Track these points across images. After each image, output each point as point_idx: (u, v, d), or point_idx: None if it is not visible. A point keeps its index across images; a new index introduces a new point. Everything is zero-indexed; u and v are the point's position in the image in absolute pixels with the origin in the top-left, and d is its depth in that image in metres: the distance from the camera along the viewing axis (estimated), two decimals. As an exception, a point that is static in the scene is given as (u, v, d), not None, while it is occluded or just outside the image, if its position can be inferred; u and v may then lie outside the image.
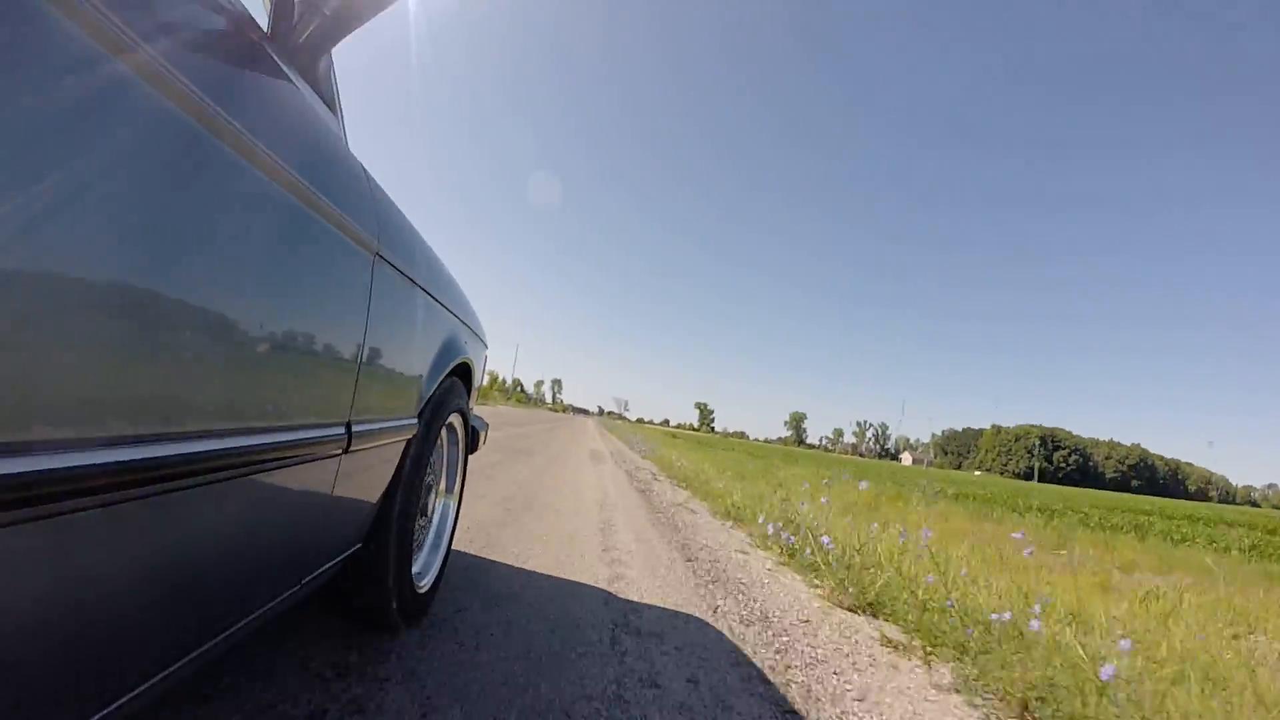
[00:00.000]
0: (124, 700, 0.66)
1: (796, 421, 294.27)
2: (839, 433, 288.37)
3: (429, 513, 2.07)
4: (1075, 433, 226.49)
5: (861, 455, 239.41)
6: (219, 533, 0.79)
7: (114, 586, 0.60)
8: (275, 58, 0.90)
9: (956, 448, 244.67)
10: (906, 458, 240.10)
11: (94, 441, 0.51)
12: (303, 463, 0.94)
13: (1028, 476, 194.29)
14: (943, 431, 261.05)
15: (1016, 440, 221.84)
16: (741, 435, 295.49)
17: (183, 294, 0.61)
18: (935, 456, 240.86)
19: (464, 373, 2.02)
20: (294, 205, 0.83)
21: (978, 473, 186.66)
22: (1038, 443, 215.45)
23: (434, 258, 1.68)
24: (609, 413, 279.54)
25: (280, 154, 0.77)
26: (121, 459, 0.54)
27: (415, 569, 1.83)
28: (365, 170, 1.20)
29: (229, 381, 0.72)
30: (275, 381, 0.84)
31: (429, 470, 1.81)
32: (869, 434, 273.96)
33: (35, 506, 0.46)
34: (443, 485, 2.24)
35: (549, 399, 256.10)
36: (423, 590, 1.83)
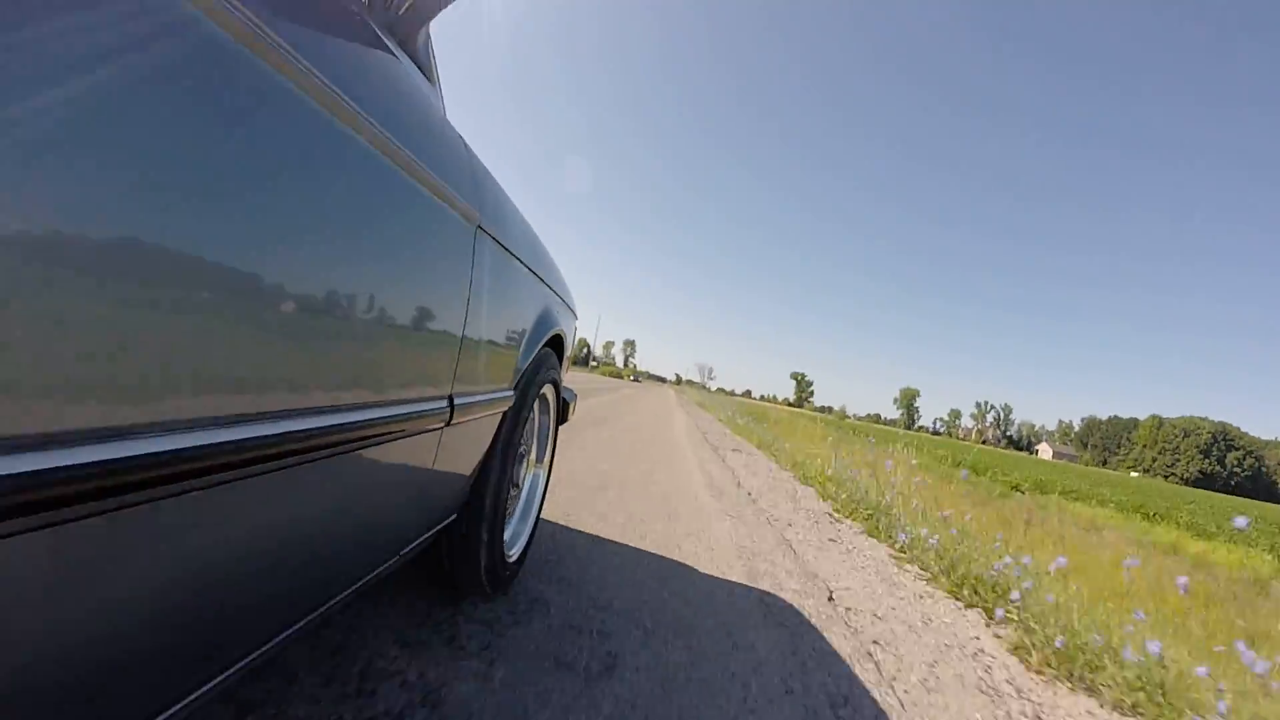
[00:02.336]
0: (245, 662, 0.70)
1: (908, 400, 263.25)
2: (955, 414, 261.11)
3: (519, 482, 2.09)
4: (1246, 430, 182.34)
5: (986, 443, 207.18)
6: (328, 508, 0.81)
7: (232, 560, 0.63)
8: (375, 28, 0.88)
9: (1101, 440, 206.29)
10: (1045, 449, 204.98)
11: (208, 421, 0.52)
12: (407, 436, 0.94)
13: (1200, 483, 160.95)
14: (1083, 420, 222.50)
15: (1185, 436, 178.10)
16: (843, 414, 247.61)
17: (292, 270, 0.61)
18: (1076, 450, 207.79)
19: (556, 343, 2.02)
20: (399, 177, 0.81)
21: (1135, 474, 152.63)
22: (1210, 441, 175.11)
23: (530, 229, 1.67)
24: (688, 381, 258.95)
25: (384, 124, 0.76)
26: (236, 437, 0.54)
27: (505, 537, 1.86)
28: (465, 142, 1.18)
29: (339, 357, 0.72)
30: (382, 356, 0.83)
31: (521, 440, 1.82)
32: (989, 417, 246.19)
33: (168, 485, 0.48)
34: (533, 455, 2.26)
35: (619, 363, 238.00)
36: (512, 559, 1.85)
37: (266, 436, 0.58)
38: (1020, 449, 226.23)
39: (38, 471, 0.37)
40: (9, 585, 0.40)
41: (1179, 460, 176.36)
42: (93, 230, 0.39)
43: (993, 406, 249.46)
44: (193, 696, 0.63)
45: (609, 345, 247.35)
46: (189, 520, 0.54)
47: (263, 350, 0.58)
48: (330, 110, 0.64)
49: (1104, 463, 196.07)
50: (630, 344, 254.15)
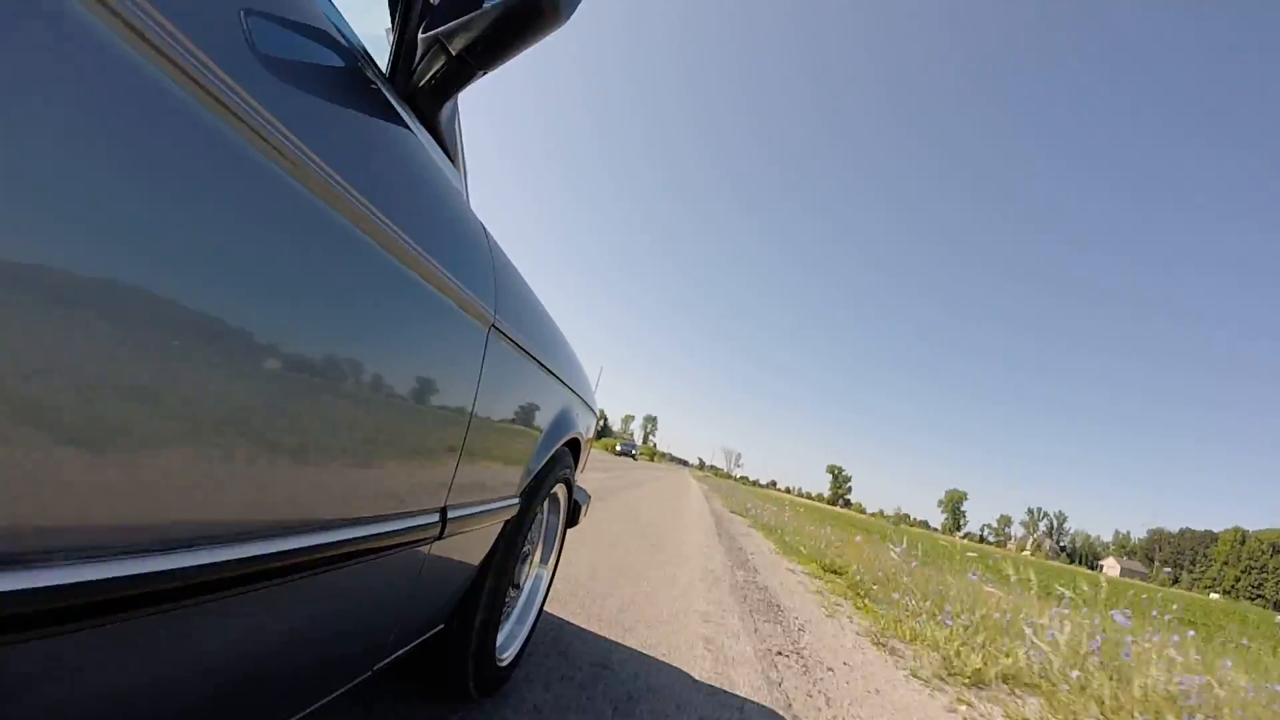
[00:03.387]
0: None
1: (954, 503, 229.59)
2: (1005, 520, 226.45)
3: (520, 584, 1.96)
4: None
5: (1040, 555, 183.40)
6: (294, 629, 0.73)
7: (191, 675, 0.58)
8: (393, 102, 0.82)
9: (1172, 555, 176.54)
10: (1111, 565, 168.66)
11: (180, 543, 0.48)
12: (390, 553, 0.85)
13: None
14: (1148, 532, 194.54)
15: (1274, 553, 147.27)
16: (879, 514, 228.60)
17: (272, 377, 0.55)
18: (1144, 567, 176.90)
19: (573, 444, 1.92)
20: (405, 275, 0.74)
21: (1215, 595, 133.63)
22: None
23: (550, 324, 1.60)
24: (710, 466, 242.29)
25: (394, 216, 0.69)
26: (212, 560, 0.51)
27: (499, 640, 1.73)
28: (485, 229, 1.12)
29: (319, 473, 0.65)
30: (370, 470, 0.75)
31: (524, 543, 1.70)
32: (1042, 525, 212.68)
33: (156, 605, 0.47)
34: (538, 555, 2.13)
35: (638, 439, 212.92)
36: (504, 664, 1.72)
37: (234, 560, 0.53)
38: (1077, 562, 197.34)
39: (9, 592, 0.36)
40: None
41: (1267, 579, 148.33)
42: (79, 332, 0.37)
43: (1046, 514, 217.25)
44: None
45: (628, 419, 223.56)
46: (157, 638, 0.51)
47: (242, 470, 0.53)
48: (333, 203, 0.58)
49: (1175, 580, 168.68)
50: (651, 420, 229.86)
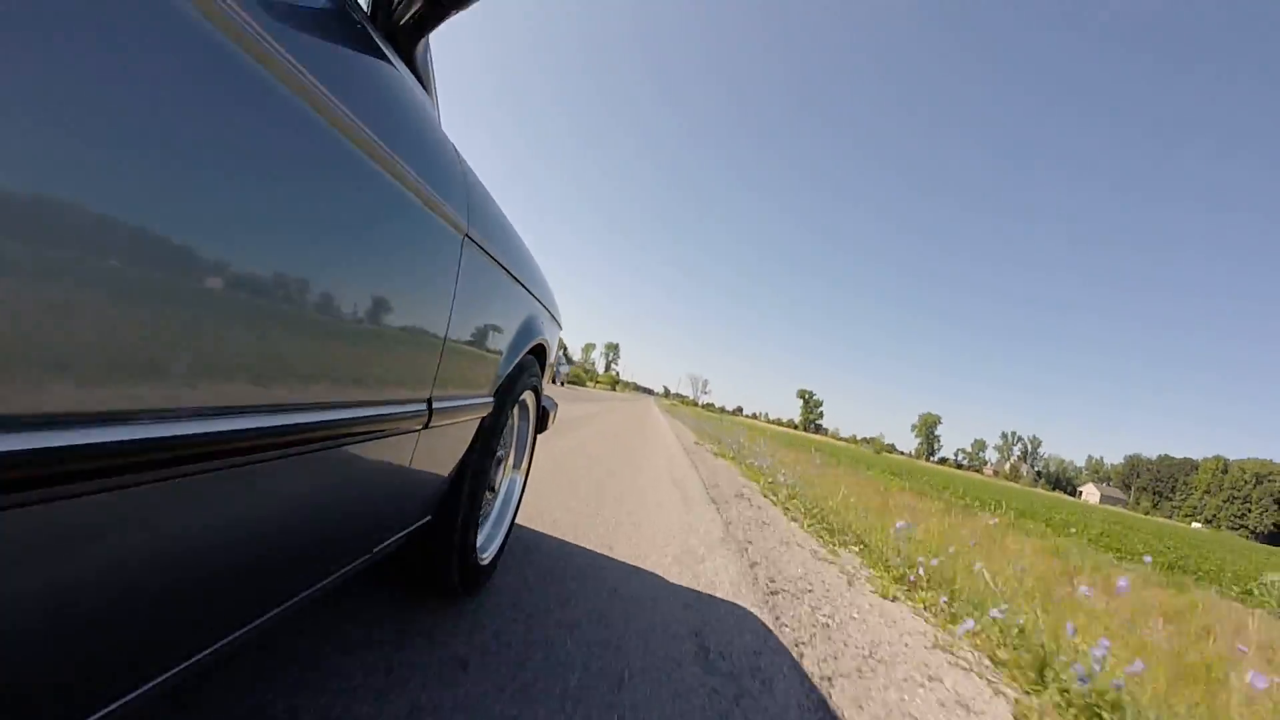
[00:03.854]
0: (210, 650, 0.71)
1: (927, 427, 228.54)
2: (980, 445, 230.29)
3: (496, 487, 2.11)
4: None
5: (1022, 482, 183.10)
6: (302, 503, 0.82)
7: (202, 549, 0.63)
8: (375, 37, 0.90)
9: (1151, 483, 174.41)
10: (1091, 491, 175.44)
11: (186, 412, 0.53)
12: (385, 437, 0.96)
13: (1273, 538, 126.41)
14: (1125, 459, 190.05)
15: (1257, 483, 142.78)
16: (852, 439, 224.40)
17: (279, 270, 0.62)
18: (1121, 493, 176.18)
19: (539, 352, 2.04)
20: (391, 185, 0.84)
21: (1196, 525, 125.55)
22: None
23: (518, 239, 1.70)
24: (676, 395, 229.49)
25: (379, 133, 0.78)
26: (216, 429, 0.55)
27: (479, 541, 1.88)
28: (458, 151, 1.21)
29: (322, 355, 0.74)
30: (364, 357, 0.85)
31: (499, 446, 1.84)
32: (1016, 449, 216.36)
33: (138, 473, 0.49)
34: (511, 460, 2.27)
35: (600, 369, 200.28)
36: (484, 562, 1.87)
37: (247, 430, 0.60)
38: (1058, 488, 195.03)
39: (15, 451, 0.38)
40: None
41: (1250, 510, 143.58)
42: (82, 224, 0.40)
43: (1020, 438, 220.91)
44: (156, 681, 0.63)
45: (589, 348, 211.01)
46: (163, 508, 0.55)
47: (248, 345, 0.59)
48: (325, 115, 0.66)
49: (1154, 506, 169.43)
50: (613, 348, 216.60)
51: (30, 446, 0.38)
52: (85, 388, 0.43)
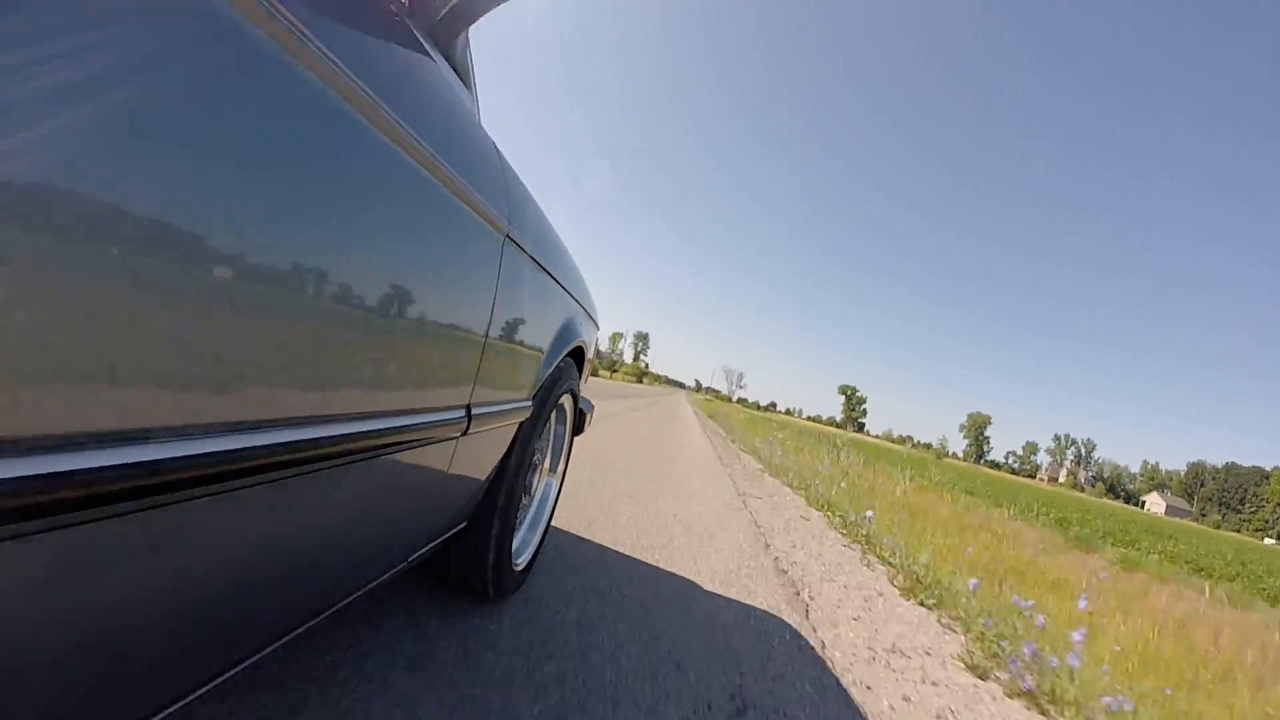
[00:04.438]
0: (247, 661, 0.72)
1: (976, 428, 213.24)
2: (1031, 448, 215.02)
3: (531, 491, 2.08)
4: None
5: (1081, 490, 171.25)
6: (338, 515, 0.80)
7: (242, 563, 0.63)
8: (415, 32, 0.87)
9: (1216, 493, 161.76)
10: (1156, 501, 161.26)
11: (225, 426, 0.51)
12: (424, 445, 0.93)
13: None
14: (1188, 466, 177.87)
15: None
16: (907, 440, 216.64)
17: (319, 274, 0.60)
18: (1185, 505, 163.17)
19: (577, 354, 2.01)
20: (431, 184, 0.80)
21: (1270, 540, 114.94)
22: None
23: (557, 239, 1.66)
24: (709, 390, 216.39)
25: (418, 130, 0.75)
26: (255, 444, 0.54)
27: (513, 546, 1.85)
28: (498, 149, 1.17)
29: (361, 363, 0.71)
30: (404, 363, 0.82)
31: (535, 450, 1.81)
32: (1069, 453, 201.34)
33: (185, 489, 0.48)
34: (547, 464, 2.24)
35: (628, 359, 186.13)
36: (519, 568, 1.85)
37: (287, 443, 0.58)
38: (1118, 497, 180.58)
39: (53, 474, 0.37)
40: (24, 584, 0.40)
41: None
42: (114, 229, 0.39)
43: (1073, 441, 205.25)
44: (200, 691, 0.64)
45: (616, 337, 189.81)
46: (205, 522, 0.54)
47: (287, 355, 0.57)
48: (363, 113, 0.63)
49: (1222, 520, 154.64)
50: (643, 338, 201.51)
51: (48, 471, 0.37)
52: (107, 406, 0.41)
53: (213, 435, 0.50)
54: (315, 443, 0.63)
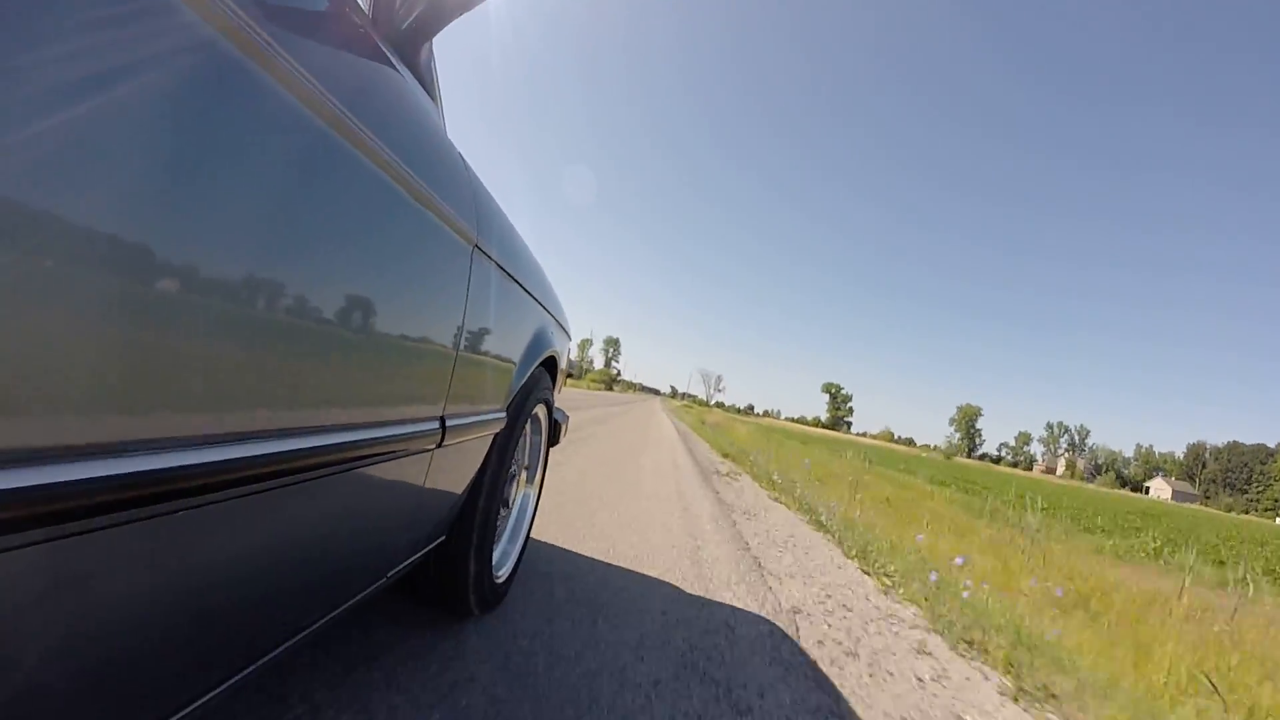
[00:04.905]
0: (219, 689, 0.67)
1: (967, 420, 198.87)
2: (1024, 438, 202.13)
3: (509, 502, 2.07)
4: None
5: (1099, 482, 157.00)
6: (313, 531, 0.79)
7: (211, 583, 0.61)
8: (379, 43, 0.87)
9: (1222, 475, 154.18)
10: (1161, 487, 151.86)
11: (196, 440, 0.51)
12: (399, 458, 0.93)
13: None
14: (1188, 448, 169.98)
15: None
16: (890, 437, 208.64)
17: (287, 285, 0.60)
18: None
19: (550, 364, 2.01)
20: (398, 194, 0.80)
21: None
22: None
23: (525, 249, 1.67)
24: (686, 395, 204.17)
25: (384, 139, 0.75)
26: (221, 458, 0.53)
27: (494, 558, 1.83)
28: (465, 160, 1.17)
29: (333, 375, 0.71)
30: (377, 374, 0.82)
31: (512, 461, 1.80)
32: (1062, 442, 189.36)
33: (143, 506, 0.46)
34: (524, 475, 2.23)
35: (598, 365, 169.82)
36: (500, 580, 1.83)
37: (258, 456, 0.57)
38: (1125, 485, 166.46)
39: (34, 486, 0.37)
40: (8, 595, 0.39)
41: None
42: (86, 242, 0.38)
43: (1066, 429, 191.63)
44: (181, 715, 0.61)
45: (585, 344, 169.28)
46: (173, 538, 0.52)
47: (257, 367, 0.57)
48: (330, 123, 0.63)
49: (1231, 499, 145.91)
50: (613, 343, 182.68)
51: (27, 484, 0.37)
52: (77, 419, 0.40)
53: (182, 449, 0.49)
54: (289, 455, 0.62)
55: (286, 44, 0.55)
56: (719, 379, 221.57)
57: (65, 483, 0.39)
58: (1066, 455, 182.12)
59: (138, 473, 0.44)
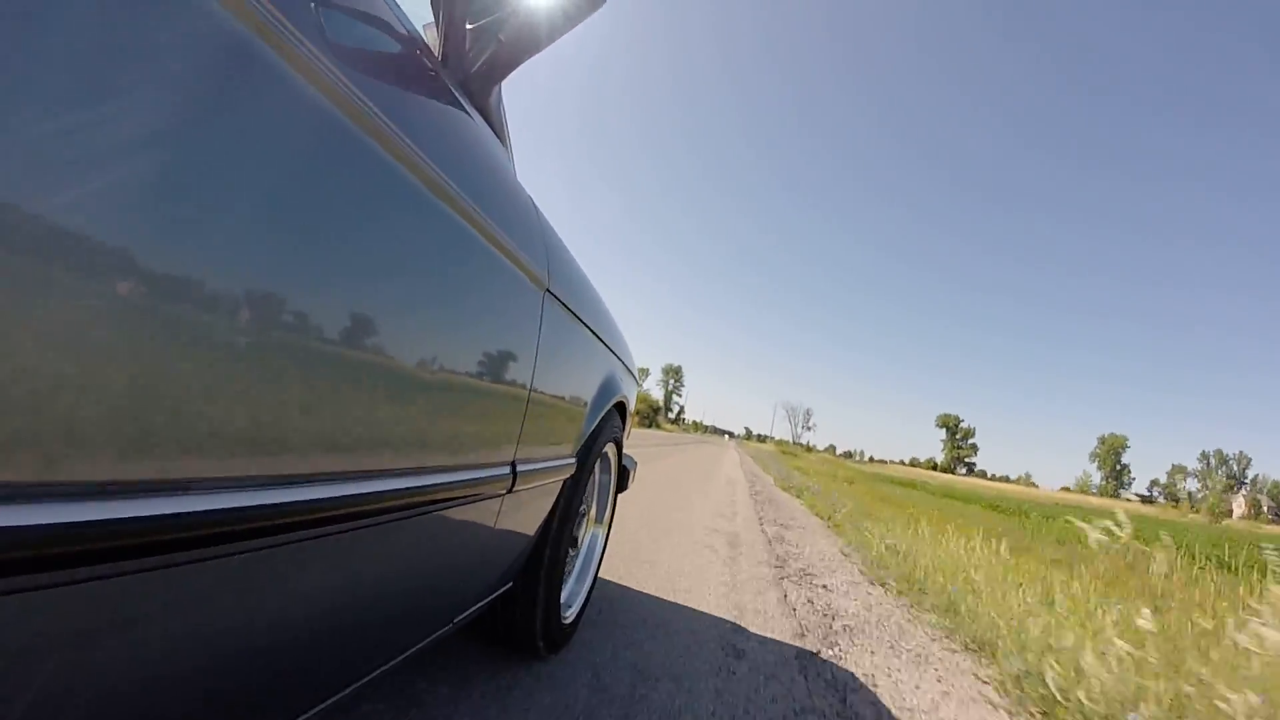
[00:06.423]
0: None
1: (1112, 453, 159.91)
2: (1179, 471, 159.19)
3: (578, 542, 2.05)
4: None
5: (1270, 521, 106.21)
6: (380, 577, 0.78)
7: (280, 624, 0.61)
8: (450, 87, 0.88)
9: None
10: None
11: (270, 480, 0.51)
12: (469, 503, 0.92)
13: None
14: None
15: None
16: (1028, 480, 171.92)
17: (365, 330, 0.60)
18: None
19: (620, 409, 1.99)
20: (472, 237, 0.81)
21: None
22: None
23: (595, 294, 1.67)
24: (758, 437, 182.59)
25: (458, 184, 0.75)
26: (297, 499, 0.53)
27: (561, 598, 1.81)
28: (535, 204, 1.18)
29: (406, 419, 0.71)
30: (449, 419, 0.82)
31: (581, 500, 1.78)
32: (1220, 472, 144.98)
33: (215, 545, 0.46)
34: (593, 513, 2.21)
35: (655, 396, 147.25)
36: (568, 621, 1.80)
37: (335, 498, 0.57)
38: None
39: (105, 520, 0.36)
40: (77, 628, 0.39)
41: None
42: (141, 272, 0.37)
43: (1226, 458, 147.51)
44: None
45: (643, 372, 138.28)
46: (248, 579, 0.52)
47: (336, 410, 0.57)
48: (408, 167, 0.64)
49: None
50: (674, 372, 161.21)
51: (70, 520, 0.35)
52: (156, 455, 0.40)
53: (254, 488, 0.49)
54: (363, 499, 0.62)
55: (363, 87, 0.56)
56: (808, 413, 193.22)
57: (131, 519, 0.38)
58: (1246, 497, 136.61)
59: (210, 510, 0.44)
